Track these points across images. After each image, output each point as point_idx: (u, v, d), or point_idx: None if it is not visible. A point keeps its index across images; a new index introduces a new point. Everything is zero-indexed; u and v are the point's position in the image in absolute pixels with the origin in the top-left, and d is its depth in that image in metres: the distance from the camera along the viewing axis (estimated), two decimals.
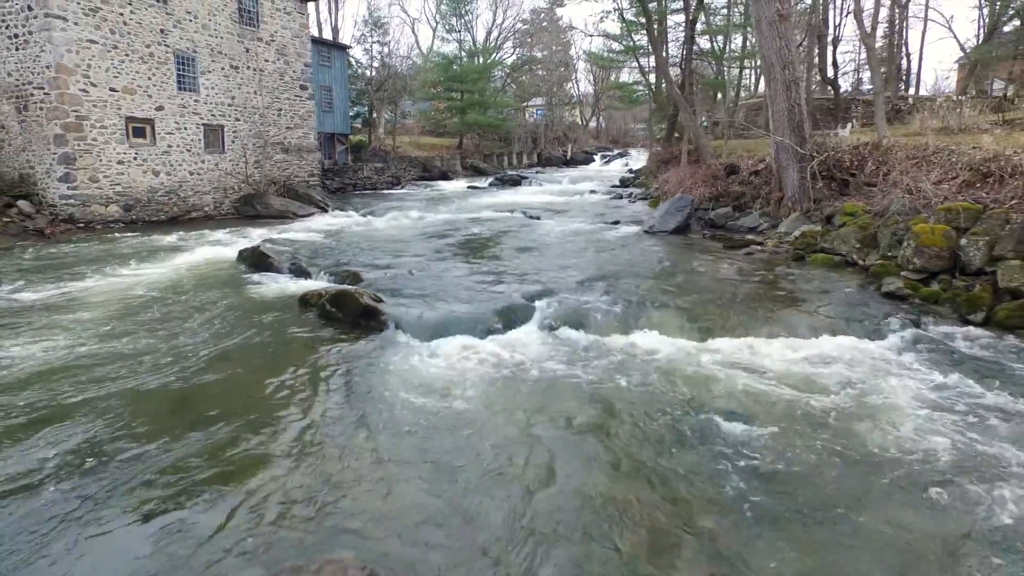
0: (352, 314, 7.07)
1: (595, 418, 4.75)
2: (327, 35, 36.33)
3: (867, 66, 47.32)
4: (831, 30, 28.31)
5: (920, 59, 39.50)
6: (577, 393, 5.20)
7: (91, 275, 10.23)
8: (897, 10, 36.09)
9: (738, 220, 13.83)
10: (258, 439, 4.41)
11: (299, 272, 10.01)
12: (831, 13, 30.00)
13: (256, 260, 10.81)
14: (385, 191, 28.31)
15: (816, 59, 27.84)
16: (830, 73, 29.49)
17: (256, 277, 10.01)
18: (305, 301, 7.91)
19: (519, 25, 53.09)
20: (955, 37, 48.28)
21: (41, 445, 4.23)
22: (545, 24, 54.42)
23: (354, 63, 33.88)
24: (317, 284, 9.07)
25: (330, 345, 6.39)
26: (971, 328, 6.57)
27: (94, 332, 6.91)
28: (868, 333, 6.54)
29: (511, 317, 6.98)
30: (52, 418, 4.65)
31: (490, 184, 30.47)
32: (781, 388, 5.23)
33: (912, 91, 40.39)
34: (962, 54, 36.19)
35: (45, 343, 6.44)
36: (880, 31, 38.65)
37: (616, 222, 15.30)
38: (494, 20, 53.67)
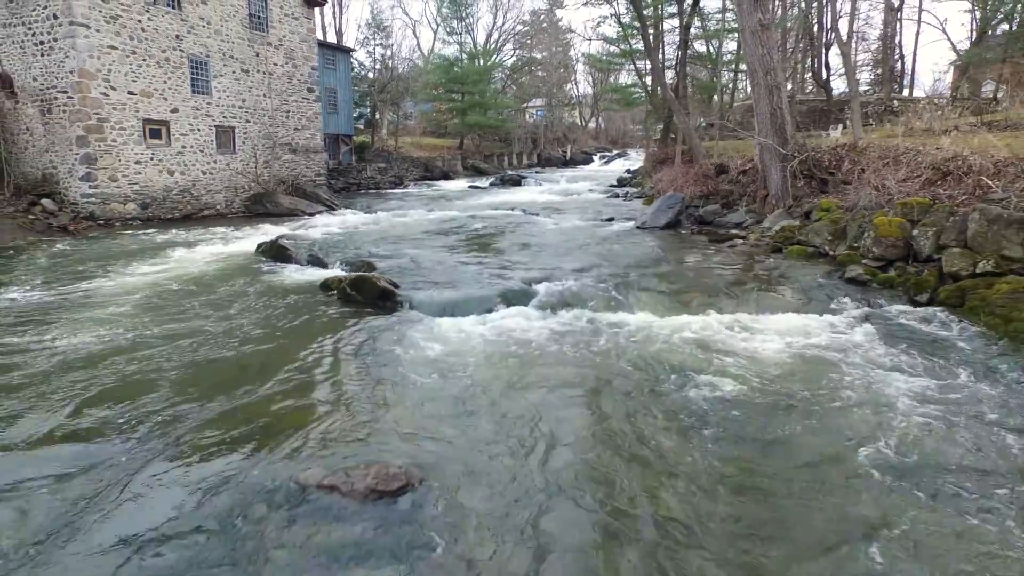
0: (371, 296, 8.04)
1: (581, 374, 5.72)
2: (331, 38, 37.39)
3: (865, 68, 48.36)
4: (824, 35, 29.33)
5: (914, 61, 40.63)
6: (566, 356, 6.18)
7: (123, 267, 11.21)
8: (890, 14, 37.09)
9: (725, 216, 14.80)
10: (302, 390, 5.39)
11: (316, 262, 10.99)
12: (826, 16, 31.01)
13: (275, 252, 11.79)
14: (388, 191, 29.33)
15: (810, 62, 28.84)
16: (823, 75, 30.55)
17: (276, 267, 11.00)
18: (327, 286, 8.90)
19: (519, 27, 54.19)
20: (948, 39, 49.22)
21: (122, 403, 5.21)
22: (545, 25, 55.51)
23: (357, 65, 34.90)
24: (334, 272, 10.03)
25: (353, 321, 7.37)
26: (915, 307, 7.55)
27: (140, 315, 7.89)
28: (826, 311, 7.52)
29: (511, 298, 7.96)
30: (127, 385, 5.62)
31: (491, 184, 31.47)
32: (744, 354, 6.19)
33: (907, 91, 41.47)
34: (955, 56, 37.23)
35: (99, 328, 7.42)
36: (876, 33, 39.71)
37: (611, 219, 16.30)
38: (494, 23, 54.74)
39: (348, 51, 32.06)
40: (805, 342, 6.52)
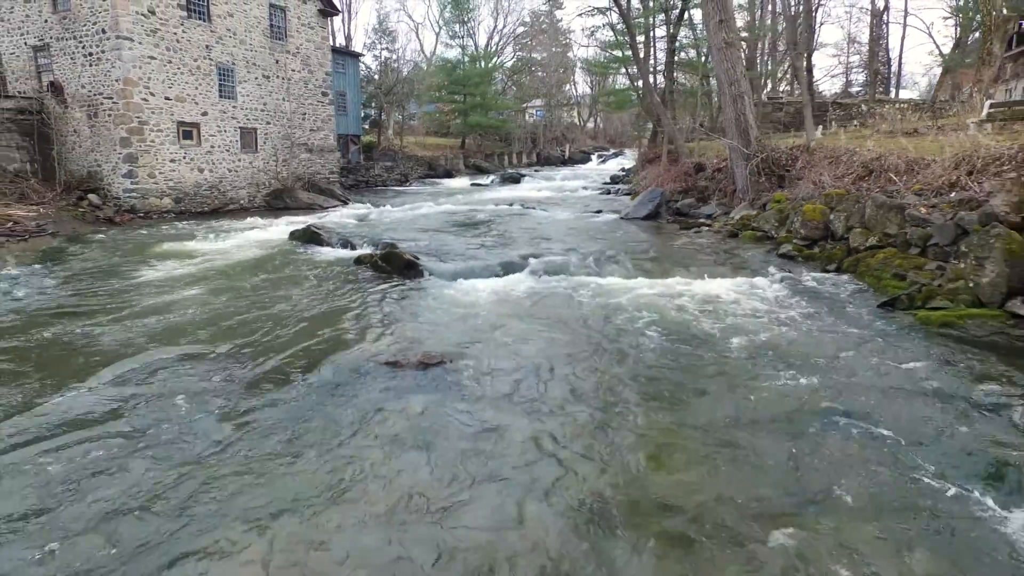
0: (398, 266, 10.39)
1: (559, 313, 8.04)
2: (340, 43, 39.80)
3: (861, 70, 50.66)
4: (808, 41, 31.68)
5: (900, 63, 42.93)
6: (549, 303, 8.51)
7: (179, 248, 13.56)
8: (875, 18, 39.47)
9: (699, 209, 17.16)
10: (362, 321, 7.73)
11: (345, 244, 13.34)
12: (814, 21, 33.35)
13: (308, 237, 14.15)
14: (395, 188, 31.73)
15: (792, 66, 31.22)
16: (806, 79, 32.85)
17: (311, 249, 13.35)
18: (359, 260, 11.25)
19: (519, 28, 56.63)
20: (935, 43, 51.61)
21: (205, 357, 7.56)
22: (544, 26, 57.93)
23: (365, 69, 37.32)
24: (363, 252, 12.38)
25: (387, 283, 9.72)
26: (827, 274, 9.88)
27: (211, 281, 10.25)
28: (754, 276, 9.85)
29: (509, 268, 10.31)
30: (209, 339, 7.98)
31: (491, 181, 33.88)
32: (686, 305, 8.51)
33: (893, 93, 43.87)
34: (940, 60, 39.63)
35: (186, 288, 9.77)
36: (865, 36, 42.08)
37: (599, 211, 18.67)
38: (495, 26, 57.18)
39: (357, 56, 34.49)
40: (733, 296, 8.84)
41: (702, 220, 15.62)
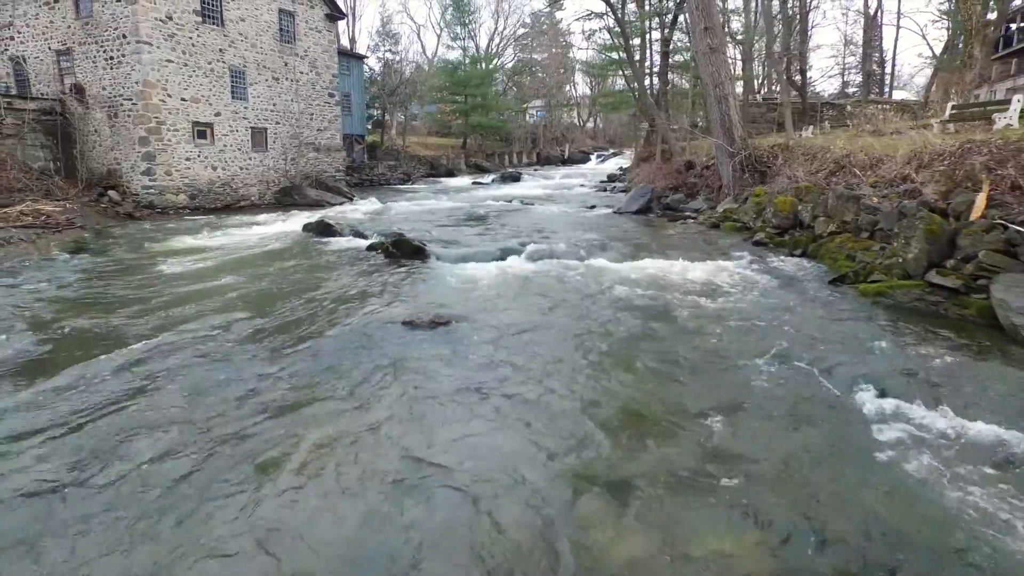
0: (407, 251, 11.68)
1: (550, 287, 9.30)
2: (344, 45, 41.14)
3: (857, 71, 52.00)
4: (798, 44, 32.99)
5: (893, 65, 44.24)
6: (542, 280, 9.78)
7: (202, 239, 14.85)
8: (868, 21, 40.80)
9: (688, 204, 18.45)
10: (380, 294, 9.01)
11: (357, 234, 14.63)
12: (808, 25, 34.72)
13: (322, 228, 15.44)
14: (398, 186, 33.05)
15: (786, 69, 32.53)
16: (798, 81, 34.15)
17: (325, 239, 14.64)
18: (372, 247, 12.54)
19: (520, 30, 58.04)
20: (928, 45, 52.94)
21: (235, 328, 8.84)
22: (545, 27, 59.33)
23: (368, 70, 38.69)
24: (374, 240, 13.66)
25: (397, 267, 11.00)
26: (793, 258, 11.14)
27: (236, 266, 11.52)
28: (726, 259, 11.12)
29: (507, 253, 11.59)
30: (246, 309, 9.26)
31: (492, 180, 35.21)
32: (661, 282, 9.77)
33: (887, 92, 45.15)
34: (931, 61, 40.96)
35: (208, 280, 11.05)
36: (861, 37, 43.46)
37: (593, 206, 19.97)
38: (495, 28, 58.58)
39: (361, 58, 35.86)
40: (704, 276, 10.11)
41: (688, 214, 16.91)
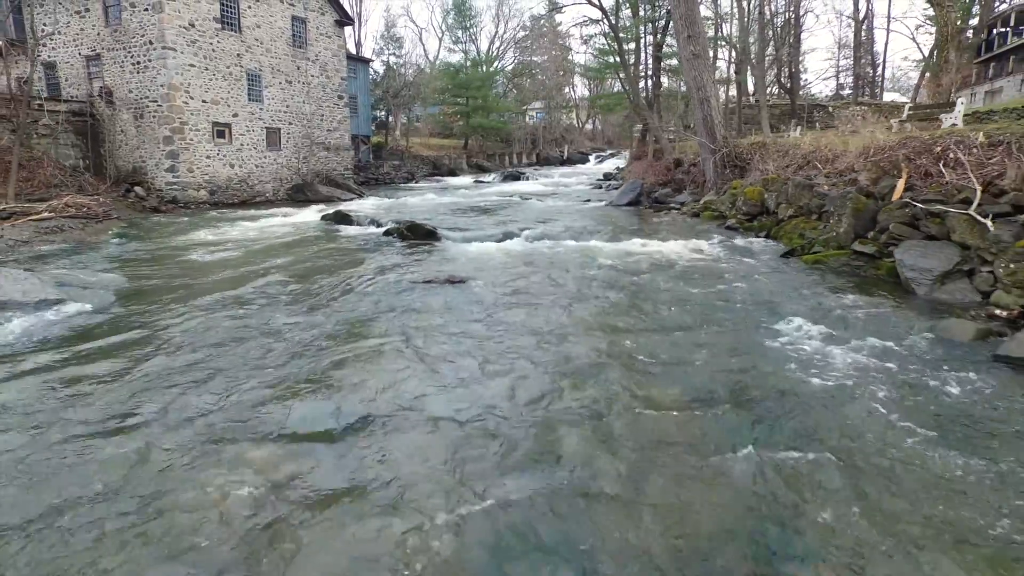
0: (421, 235, 13.54)
1: (546, 261, 11.16)
2: (351, 49, 43.16)
3: (848, 73, 53.89)
4: (788, 49, 34.94)
5: (883, 67, 46.24)
6: (539, 256, 11.64)
7: (230, 230, 16.72)
8: (857, 25, 42.79)
9: (675, 197, 20.34)
10: (401, 266, 10.87)
11: (373, 223, 16.50)
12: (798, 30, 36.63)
13: (339, 218, 17.32)
14: (402, 185, 34.97)
15: (776, 72, 34.52)
16: (788, 83, 36.09)
17: (343, 227, 16.51)
18: (388, 232, 14.41)
19: (520, 32, 60.13)
20: (919, 47, 54.94)
21: (303, 277, 10.71)
22: (544, 30, 61.40)
23: (373, 73, 40.68)
24: (390, 226, 15.53)
25: (412, 247, 12.86)
26: (758, 239, 13.00)
27: (265, 253, 13.39)
28: (700, 239, 12.99)
29: (507, 236, 13.47)
30: (285, 277, 11.13)
31: (493, 179, 37.17)
32: (640, 257, 11.62)
33: (879, 93, 47.11)
34: (920, 64, 42.96)
35: (244, 258, 12.91)
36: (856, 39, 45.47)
37: (587, 200, 21.88)
38: (496, 31, 60.64)
39: (367, 61, 37.84)
40: (677, 253, 11.97)
41: (673, 205, 18.80)
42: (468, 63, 48.70)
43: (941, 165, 9.52)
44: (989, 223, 7.81)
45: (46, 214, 16.76)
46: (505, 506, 3.66)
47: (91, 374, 5.84)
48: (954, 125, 14.36)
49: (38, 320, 7.60)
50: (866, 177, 10.71)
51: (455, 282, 9.14)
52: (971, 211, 8.20)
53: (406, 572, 3.13)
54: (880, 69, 45.78)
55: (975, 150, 9.48)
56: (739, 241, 12.86)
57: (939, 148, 10.04)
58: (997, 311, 6.68)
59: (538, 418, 4.89)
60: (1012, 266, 7.00)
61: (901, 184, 9.88)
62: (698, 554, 3.26)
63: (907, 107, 17.04)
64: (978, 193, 8.40)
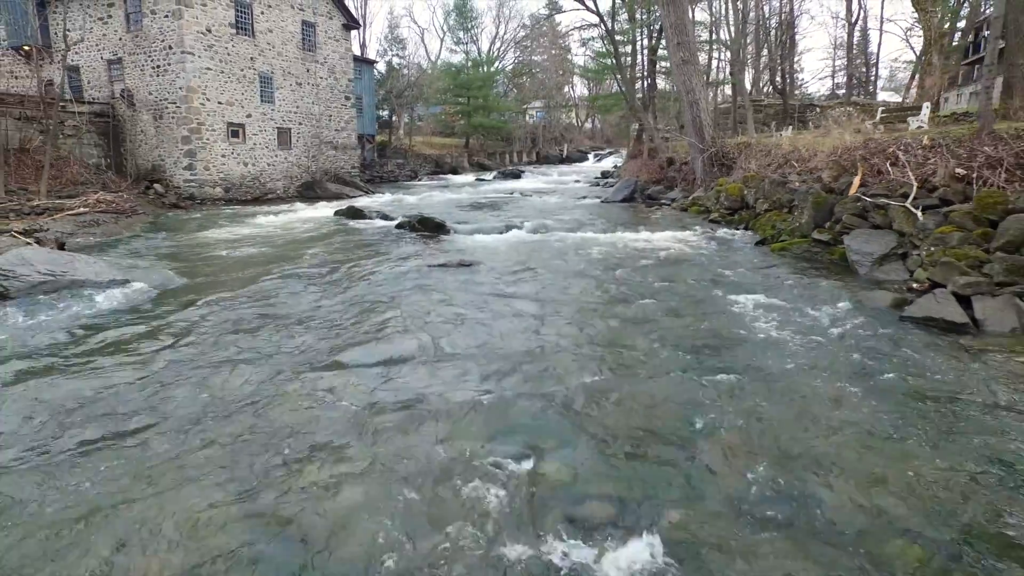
0: (431, 228, 15.05)
1: (545, 249, 12.66)
2: (356, 51, 44.70)
3: (843, 73, 55.37)
4: (781, 51, 36.47)
5: (876, 67, 47.78)
6: (538, 245, 13.14)
7: (248, 223, 18.22)
8: (850, 27, 44.30)
9: (666, 194, 21.85)
10: (414, 256, 12.37)
11: (384, 217, 18.01)
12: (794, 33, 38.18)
13: (352, 213, 18.82)
14: (406, 183, 36.48)
15: (769, 74, 35.97)
16: (780, 85, 37.58)
17: (356, 222, 18.01)
18: (400, 225, 15.92)
19: (520, 32, 61.66)
20: (912, 50, 56.51)
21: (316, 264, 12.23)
22: (544, 29, 62.93)
23: (377, 74, 42.19)
24: (401, 220, 17.03)
25: (423, 240, 14.37)
26: (737, 231, 14.50)
27: (286, 244, 14.90)
28: (684, 231, 14.50)
29: (509, 228, 14.99)
30: (307, 265, 12.65)
31: (494, 177, 38.69)
32: (628, 245, 13.12)
33: (873, 92, 48.64)
34: (911, 65, 44.52)
35: (268, 248, 14.41)
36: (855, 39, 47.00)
37: (584, 197, 23.40)
38: (497, 32, 62.12)
39: (372, 63, 39.35)
40: (663, 242, 13.48)
41: (664, 202, 20.32)
42: (469, 63, 50.24)
43: (889, 164, 11.04)
44: (919, 213, 9.33)
45: (81, 209, 18.27)
46: (514, 399, 5.18)
47: (180, 329, 7.37)
48: (920, 127, 15.86)
49: (114, 295, 9.12)
50: (828, 175, 12.23)
51: (465, 265, 10.65)
52: (907, 204, 9.71)
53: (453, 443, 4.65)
54: (874, 69, 47.30)
55: (919, 151, 11.01)
56: (720, 232, 14.37)
57: (891, 149, 11.56)
58: (915, 284, 8.19)
59: (540, 353, 6.42)
60: (932, 248, 8.50)
61: (857, 181, 11.39)
62: (644, 428, 4.78)
63: (880, 110, 18.52)
64: (914, 188, 9.92)
